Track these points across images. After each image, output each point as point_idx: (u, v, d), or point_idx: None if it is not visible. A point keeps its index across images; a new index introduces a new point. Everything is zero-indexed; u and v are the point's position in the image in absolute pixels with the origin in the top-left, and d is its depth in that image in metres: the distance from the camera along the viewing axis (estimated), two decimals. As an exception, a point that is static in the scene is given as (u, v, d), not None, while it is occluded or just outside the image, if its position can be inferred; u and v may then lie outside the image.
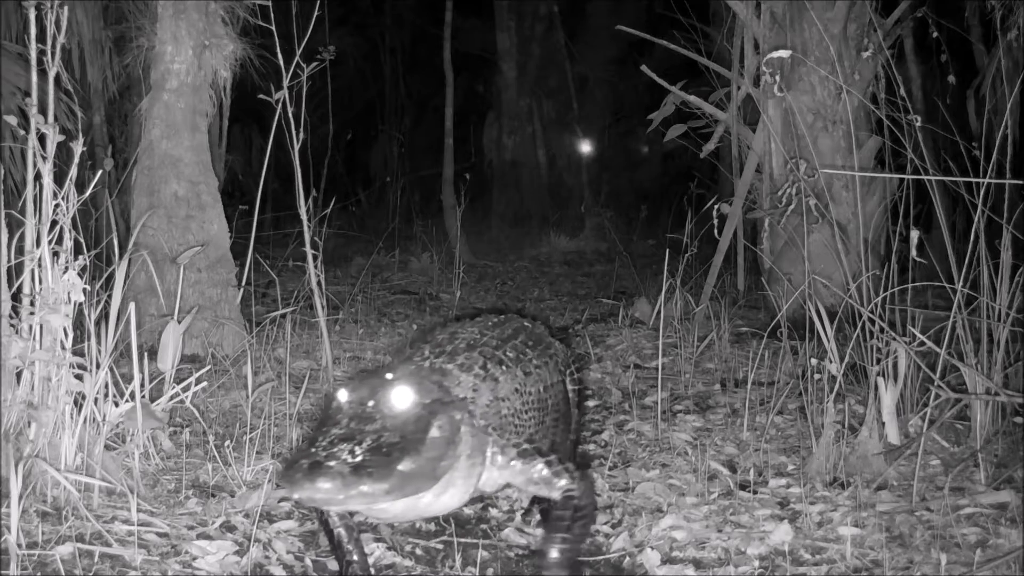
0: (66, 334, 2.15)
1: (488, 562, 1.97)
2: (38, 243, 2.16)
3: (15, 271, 2.16)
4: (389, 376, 1.66)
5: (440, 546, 2.03)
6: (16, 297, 2.16)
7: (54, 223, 2.18)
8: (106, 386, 2.21)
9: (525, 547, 2.05)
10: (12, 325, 2.11)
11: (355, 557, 1.80)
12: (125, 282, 2.42)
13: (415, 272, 6.66)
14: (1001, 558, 1.76)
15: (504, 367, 1.89)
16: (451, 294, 5.47)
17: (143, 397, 2.28)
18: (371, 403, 1.58)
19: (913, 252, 2.58)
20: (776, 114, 4.50)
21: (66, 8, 2.29)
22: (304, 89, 3.31)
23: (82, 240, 2.22)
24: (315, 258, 3.28)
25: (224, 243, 3.78)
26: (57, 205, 2.18)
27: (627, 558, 1.96)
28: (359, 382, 1.64)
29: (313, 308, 3.42)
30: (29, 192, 2.16)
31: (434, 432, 1.59)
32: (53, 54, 2.25)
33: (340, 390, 1.63)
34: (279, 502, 2.18)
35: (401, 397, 1.59)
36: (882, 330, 2.43)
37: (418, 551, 2.00)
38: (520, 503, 2.27)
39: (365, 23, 11.77)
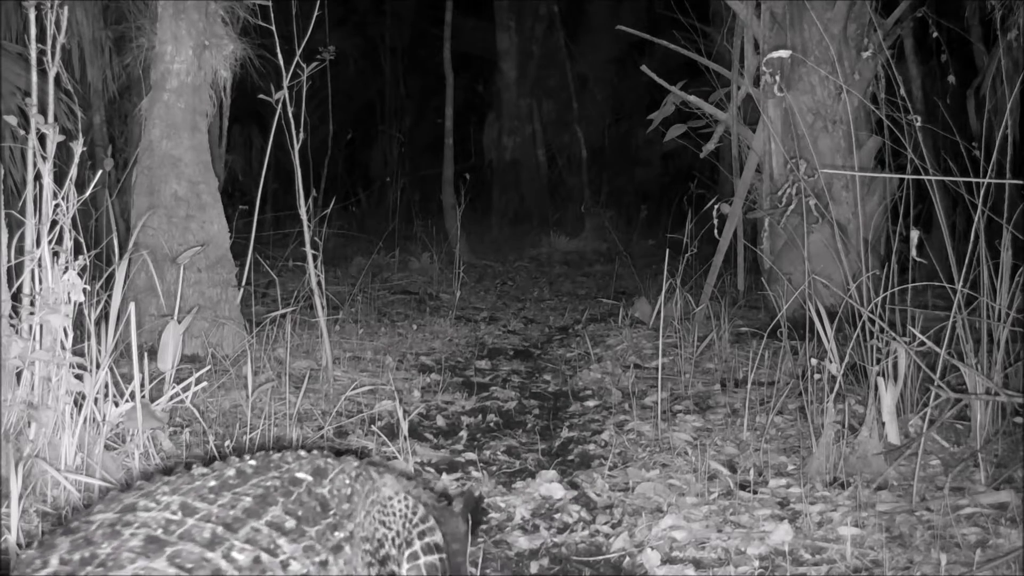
0: (66, 334, 2.15)
1: (488, 561, 1.97)
2: (38, 243, 2.16)
3: (15, 271, 2.16)
4: None
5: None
6: (16, 297, 2.16)
7: (54, 223, 2.18)
8: (106, 386, 2.21)
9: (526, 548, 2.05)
10: (12, 325, 2.11)
11: None
12: (125, 282, 2.42)
13: (415, 272, 6.66)
14: (1001, 558, 1.76)
15: None
16: (451, 294, 5.47)
17: (143, 397, 2.28)
18: None
19: (913, 252, 2.58)
20: (776, 114, 4.50)
21: (66, 8, 2.29)
22: (304, 89, 3.31)
23: (82, 240, 2.22)
24: (315, 258, 3.28)
25: (224, 243, 3.78)
26: (57, 205, 2.18)
27: (627, 558, 1.96)
28: None
29: (313, 308, 3.42)
30: (29, 192, 2.16)
31: None
32: (53, 54, 2.25)
33: None
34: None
35: None
36: (882, 330, 2.43)
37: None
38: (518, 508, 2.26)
39: (365, 23, 11.76)
